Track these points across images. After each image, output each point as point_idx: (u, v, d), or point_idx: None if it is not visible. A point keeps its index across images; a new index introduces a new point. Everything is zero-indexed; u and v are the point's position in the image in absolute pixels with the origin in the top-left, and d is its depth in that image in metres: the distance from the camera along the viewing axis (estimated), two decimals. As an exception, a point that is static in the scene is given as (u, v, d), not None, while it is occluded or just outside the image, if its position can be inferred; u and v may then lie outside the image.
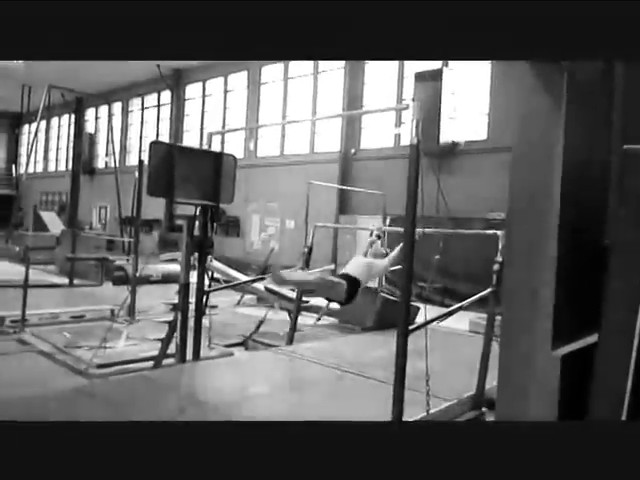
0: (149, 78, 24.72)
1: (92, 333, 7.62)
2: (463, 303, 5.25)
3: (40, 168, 34.64)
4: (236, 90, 21.81)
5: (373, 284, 11.96)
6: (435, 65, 14.34)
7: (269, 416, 4.11)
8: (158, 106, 25.84)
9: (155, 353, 6.17)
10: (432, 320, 4.76)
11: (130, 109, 27.89)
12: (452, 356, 6.60)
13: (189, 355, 5.88)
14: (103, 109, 28.94)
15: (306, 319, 9.58)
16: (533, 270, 2.55)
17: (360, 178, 16.25)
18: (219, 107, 22.60)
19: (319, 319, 9.85)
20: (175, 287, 6.36)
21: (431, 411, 4.31)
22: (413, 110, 3.89)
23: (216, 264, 11.13)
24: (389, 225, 9.95)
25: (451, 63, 14.49)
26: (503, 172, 2.77)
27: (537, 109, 2.58)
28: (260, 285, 10.39)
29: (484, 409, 5.06)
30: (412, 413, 4.11)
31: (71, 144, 20.91)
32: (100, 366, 6.18)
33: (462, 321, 8.79)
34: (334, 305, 9.88)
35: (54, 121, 32.83)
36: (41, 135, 31.97)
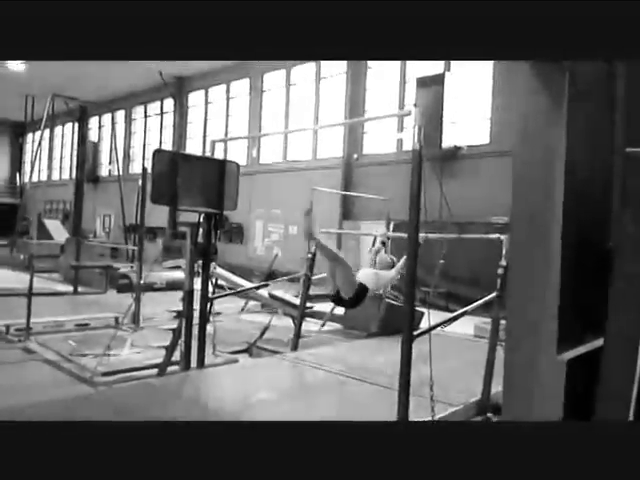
0: (152, 86, 24.85)
1: (97, 341, 7.62)
2: (467, 308, 5.24)
3: (44, 177, 34.79)
4: (238, 97, 21.88)
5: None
6: (437, 70, 14.39)
7: (274, 423, 4.11)
8: (161, 114, 25.95)
9: (159, 360, 6.17)
10: (436, 325, 4.76)
11: (133, 117, 28.02)
12: (457, 361, 6.58)
13: (193, 362, 5.88)
14: (106, 117, 29.10)
15: (310, 325, 9.57)
16: (537, 274, 2.55)
17: (363, 184, 16.26)
18: (221, 114, 22.68)
19: (323, 325, 9.83)
20: (179, 294, 6.36)
21: (436, 417, 4.30)
22: (415, 116, 3.90)
23: (220, 271, 11.13)
24: (393, 230, 9.94)
25: (453, 67, 14.52)
26: (506, 176, 2.76)
27: (538, 109, 2.58)
28: (264, 292, 10.39)
29: (490, 414, 5.04)
30: (417, 419, 4.10)
31: (75, 152, 20.93)
32: (105, 374, 6.17)
33: (467, 326, 8.76)
34: (338, 311, 9.90)
35: (58, 130, 33.02)
36: (45, 144, 32.09)
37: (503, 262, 5.24)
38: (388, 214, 9.66)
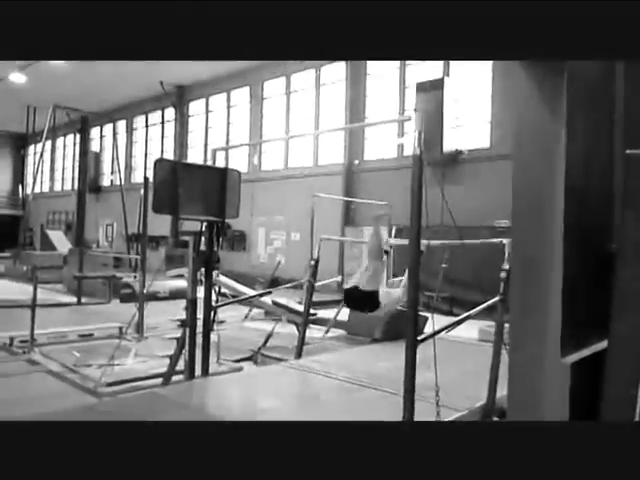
0: (152, 95, 24.94)
1: (101, 351, 7.62)
2: (471, 312, 5.23)
3: (46, 188, 34.88)
4: (239, 105, 21.94)
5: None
6: (436, 74, 14.42)
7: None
8: (162, 123, 26.02)
9: (164, 370, 6.16)
10: (440, 330, 4.74)
11: (134, 127, 28.10)
12: (462, 365, 6.56)
13: (198, 371, 5.87)
14: (108, 127, 29.18)
15: (314, 332, 9.55)
16: (540, 277, 2.54)
17: (364, 189, 16.27)
18: (222, 122, 22.74)
19: (327, 331, 9.81)
20: (183, 303, 6.36)
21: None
22: (415, 121, 3.90)
23: (223, 279, 11.14)
24: (395, 236, 9.94)
25: (452, 72, 14.55)
26: (507, 179, 2.76)
27: (537, 110, 2.58)
28: (267, 299, 10.38)
29: (495, 418, 5.02)
30: (423, 424, 4.08)
31: (76, 163, 21.00)
32: (109, 384, 6.17)
33: (472, 330, 8.74)
34: (342, 317, 9.88)
35: (59, 141, 33.12)
36: (47, 155, 32.18)
37: (506, 266, 5.23)
38: (389, 219, 9.66)
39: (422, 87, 14.10)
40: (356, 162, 17.21)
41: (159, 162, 5.66)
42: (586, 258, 2.69)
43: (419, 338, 4.01)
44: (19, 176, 37.46)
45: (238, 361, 7.69)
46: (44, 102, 21.60)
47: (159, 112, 26.08)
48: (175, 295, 13.34)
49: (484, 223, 12.28)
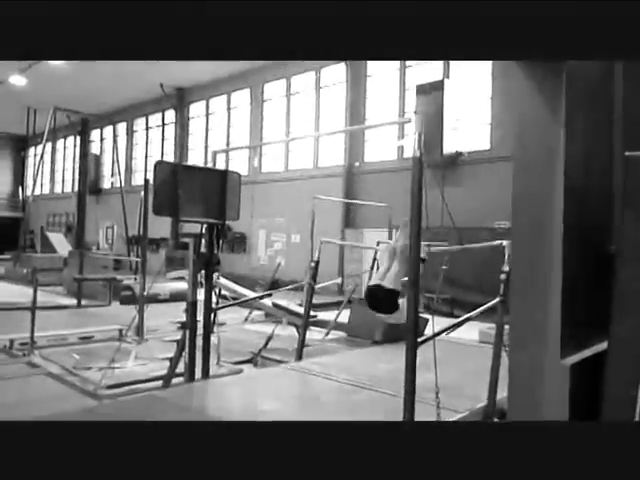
0: (153, 98, 24.97)
1: (101, 354, 7.62)
2: (471, 314, 5.23)
3: (46, 190, 34.89)
4: (239, 107, 21.96)
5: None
6: (436, 76, 14.44)
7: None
8: (162, 125, 26.04)
9: (164, 372, 6.15)
10: (441, 332, 4.74)
11: (135, 129, 28.12)
12: (462, 367, 6.56)
13: (198, 373, 5.86)
14: (108, 130, 29.20)
15: (314, 334, 9.55)
16: (539, 278, 2.54)
17: (365, 191, 16.28)
18: (222, 125, 22.75)
19: (328, 333, 9.81)
20: (183, 305, 6.36)
21: (442, 424, 4.27)
22: (415, 123, 3.90)
23: (223, 281, 11.13)
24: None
25: (452, 74, 14.57)
26: (507, 180, 2.76)
27: (536, 111, 2.58)
28: (268, 301, 10.38)
29: (496, 420, 5.01)
30: (423, 426, 4.08)
31: (77, 165, 21.02)
32: (109, 387, 6.16)
33: (472, 332, 8.74)
34: (342, 319, 9.88)
35: (59, 143, 33.13)
36: (47, 157, 32.21)
37: (506, 267, 5.23)
38: (390, 221, 9.67)
39: (422, 89, 14.11)
40: (356, 164, 17.22)
41: (159, 164, 5.66)
42: (586, 259, 2.69)
43: (419, 340, 4.00)
44: (19, 178, 37.48)
45: (238, 363, 7.69)
46: (44, 104, 21.63)
47: (159, 114, 26.10)
48: (175, 297, 13.33)
49: (484, 224, 12.28)
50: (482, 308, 5.36)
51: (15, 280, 17.73)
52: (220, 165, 6.17)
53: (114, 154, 21.60)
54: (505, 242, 5.53)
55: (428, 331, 5.64)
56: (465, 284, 11.93)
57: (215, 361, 6.88)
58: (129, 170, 27.98)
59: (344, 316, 9.99)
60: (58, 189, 34.37)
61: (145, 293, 9.28)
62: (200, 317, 5.93)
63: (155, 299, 12.60)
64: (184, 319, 6.35)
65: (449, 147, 13.86)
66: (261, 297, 9.55)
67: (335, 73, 18.10)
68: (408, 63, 16.09)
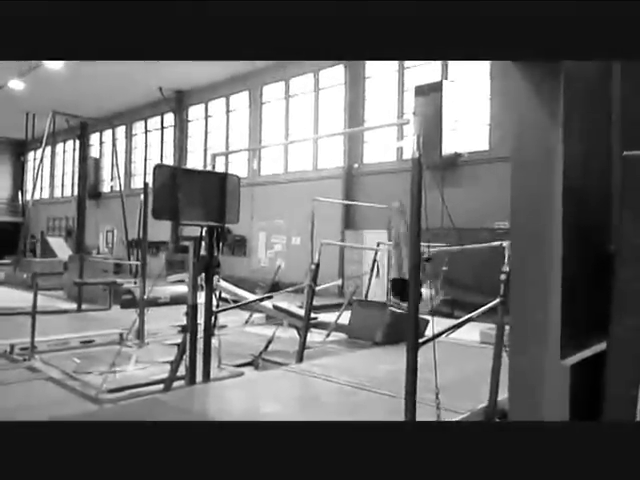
0: (151, 101, 24.97)
1: (102, 358, 7.62)
2: (471, 315, 5.23)
3: (46, 194, 34.89)
4: (238, 110, 21.97)
5: (382, 298, 11.94)
6: (435, 78, 14.45)
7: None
8: (161, 129, 26.05)
9: (165, 376, 6.15)
10: (441, 333, 4.74)
11: (134, 132, 28.13)
12: (463, 368, 6.56)
13: (199, 376, 5.86)
14: (107, 133, 29.23)
15: (315, 336, 9.55)
16: (539, 278, 2.54)
17: (364, 193, 16.28)
18: (221, 127, 22.76)
19: (328, 335, 9.81)
20: (183, 308, 6.36)
21: (444, 425, 4.27)
22: (414, 124, 3.91)
23: (223, 284, 11.12)
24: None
25: (450, 75, 14.58)
26: (506, 181, 2.76)
27: (534, 111, 2.58)
28: (268, 303, 10.37)
29: (497, 420, 5.01)
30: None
31: (76, 169, 21.04)
32: (110, 391, 6.16)
33: (473, 332, 8.74)
34: (342, 321, 9.88)
35: (59, 147, 33.14)
36: (46, 161, 32.23)
37: (506, 268, 5.23)
38: (389, 222, 9.66)
39: (421, 90, 14.12)
40: (356, 165, 17.22)
41: (158, 168, 5.66)
42: (585, 259, 2.69)
43: (420, 341, 4.00)
44: (19, 183, 37.50)
45: (239, 366, 7.69)
46: (43, 108, 21.64)
47: (158, 117, 26.11)
48: (176, 300, 13.32)
49: (484, 225, 12.29)
50: (483, 309, 5.37)
51: (15, 285, 17.73)
52: (219, 168, 6.17)
53: (113, 158, 21.63)
54: (505, 243, 5.54)
55: (429, 332, 5.64)
56: (465, 285, 11.93)
57: (216, 364, 6.87)
58: (128, 174, 27.99)
59: (345, 318, 9.98)
60: (58, 193, 34.38)
61: (145, 297, 9.28)
62: (201, 320, 5.93)
63: (155, 302, 12.60)
64: (185, 322, 6.35)
65: (448, 148, 13.86)
66: (262, 299, 9.56)
67: (333, 75, 18.11)
68: (406, 64, 16.10)
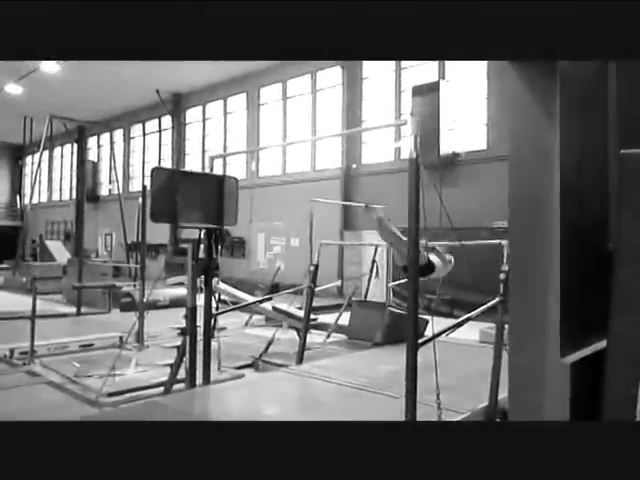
0: (149, 104, 24.98)
1: (101, 361, 7.62)
2: (471, 314, 5.24)
3: (44, 198, 34.88)
4: (236, 112, 21.98)
5: (382, 299, 11.95)
6: (432, 78, 14.47)
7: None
8: (159, 131, 26.05)
9: (165, 379, 6.15)
10: (441, 333, 4.74)
11: (131, 135, 28.13)
12: (463, 367, 6.56)
13: (199, 379, 5.86)
14: (105, 137, 29.23)
15: (315, 337, 9.55)
16: (537, 277, 2.54)
17: (362, 193, 16.29)
18: (219, 129, 22.77)
19: (328, 336, 9.82)
20: (183, 311, 6.36)
21: (444, 425, 4.27)
22: (411, 125, 3.91)
23: (223, 286, 11.13)
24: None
25: (447, 75, 14.59)
26: (504, 180, 2.77)
27: (530, 111, 2.58)
28: (268, 305, 10.38)
29: (498, 420, 5.01)
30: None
31: (74, 173, 21.03)
32: (110, 394, 6.16)
33: (473, 332, 8.75)
34: (342, 322, 9.88)
35: (57, 151, 33.14)
36: (44, 165, 32.23)
37: (505, 267, 5.24)
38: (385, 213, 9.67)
39: (418, 90, 14.14)
40: (354, 166, 17.24)
41: (156, 170, 5.66)
42: (584, 258, 2.69)
43: (420, 341, 4.01)
44: (17, 187, 37.46)
45: (239, 368, 7.69)
46: (40, 113, 21.61)
47: (156, 120, 26.11)
48: (175, 303, 13.34)
49: (482, 224, 12.30)
50: (482, 308, 5.38)
51: (14, 289, 17.73)
52: (218, 170, 6.17)
53: (111, 161, 21.65)
54: (504, 242, 5.55)
55: (428, 332, 5.65)
56: (465, 284, 11.93)
57: (216, 366, 6.87)
58: (127, 177, 27.98)
59: (344, 319, 9.99)
60: (56, 197, 34.37)
61: (145, 300, 9.28)
62: (200, 322, 5.93)
63: (155, 305, 12.61)
64: (184, 325, 6.35)
65: (446, 148, 13.88)
66: (261, 301, 9.56)
67: (331, 76, 18.13)
68: (403, 65, 16.12)
